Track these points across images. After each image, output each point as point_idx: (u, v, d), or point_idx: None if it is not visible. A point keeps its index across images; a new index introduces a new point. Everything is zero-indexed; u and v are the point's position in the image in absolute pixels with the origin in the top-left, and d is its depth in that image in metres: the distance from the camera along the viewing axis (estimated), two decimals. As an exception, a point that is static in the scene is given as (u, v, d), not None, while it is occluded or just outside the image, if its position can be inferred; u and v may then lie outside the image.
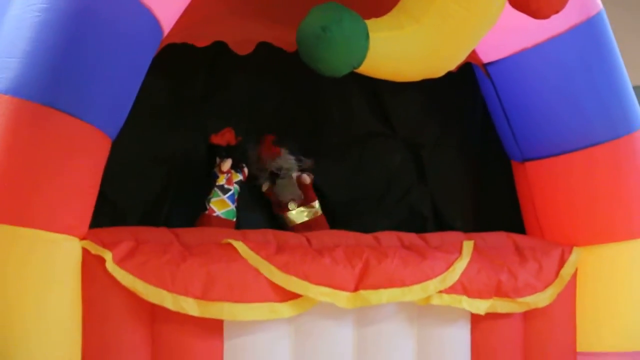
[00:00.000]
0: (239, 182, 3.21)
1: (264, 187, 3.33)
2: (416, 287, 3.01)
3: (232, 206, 3.08)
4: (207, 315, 2.63)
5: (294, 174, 3.31)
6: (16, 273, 2.43)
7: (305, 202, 3.33)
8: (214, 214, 3.05)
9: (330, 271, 2.86)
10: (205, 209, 3.03)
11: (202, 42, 2.98)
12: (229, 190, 3.09)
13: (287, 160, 3.27)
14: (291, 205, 3.33)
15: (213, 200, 3.05)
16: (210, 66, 3.33)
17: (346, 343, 3.04)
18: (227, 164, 3.08)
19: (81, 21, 2.54)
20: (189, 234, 2.83)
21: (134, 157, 3.11)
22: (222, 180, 3.08)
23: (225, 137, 3.16)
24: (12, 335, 2.46)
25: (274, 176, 3.30)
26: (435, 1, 2.75)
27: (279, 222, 3.36)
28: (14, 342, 2.47)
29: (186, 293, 2.63)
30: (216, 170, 3.11)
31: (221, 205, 3.08)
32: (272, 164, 3.29)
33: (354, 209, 3.58)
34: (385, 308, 3.07)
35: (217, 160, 3.11)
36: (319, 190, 3.43)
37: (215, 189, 3.07)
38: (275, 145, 3.33)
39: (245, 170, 3.24)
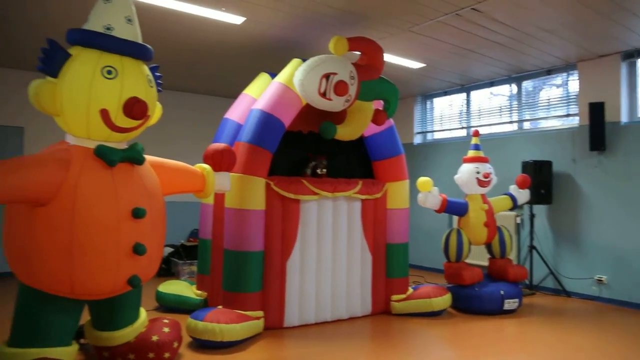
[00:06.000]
0: (313, 167, 4.33)
1: (314, 164, 4.34)
2: (348, 192, 4.32)
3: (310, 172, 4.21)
4: (297, 198, 3.99)
5: (324, 163, 4.38)
6: (250, 189, 3.79)
7: (322, 169, 4.39)
8: (307, 174, 4.28)
9: (326, 187, 4.22)
10: (304, 173, 4.30)
11: (293, 129, 4.30)
12: (311, 169, 4.29)
13: (323, 160, 4.42)
14: (319, 170, 4.36)
15: (307, 170, 4.31)
16: (298, 137, 4.46)
17: (329, 207, 4.30)
18: (312, 162, 4.32)
19: (265, 122, 3.87)
20: (291, 179, 4.06)
21: (279, 159, 4.26)
22: (309, 164, 4.36)
23: (309, 154, 4.35)
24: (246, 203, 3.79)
25: (320, 163, 4.38)
26: (356, 121, 4.08)
27: (315, 175, 4.37)
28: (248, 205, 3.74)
29: (289, 192, 4.00)
30: (310, 163, 4.35)
31: (310, 173, 4.23)
32: (321, 161, 4.41)
33: (334, 173, 4.56)
34: (340, 198, 4.35)
35: (310, 160, 4.39)
36: (327, 168, 4.44)
37: (308, 168, 4.36)
38: (322, 157, 4.43)
39: (312, 164, 4.32)
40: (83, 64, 2.47)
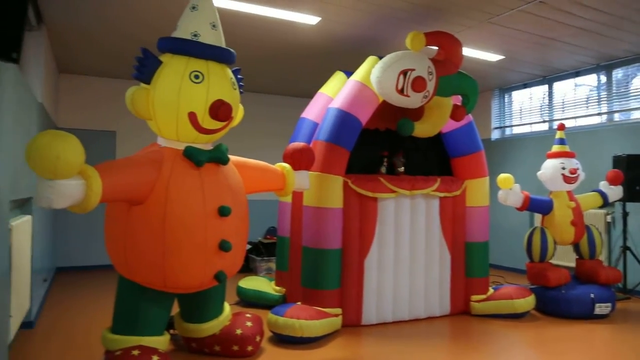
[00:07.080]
0: (388, 164, 4.25)
1: (393, 160, 4.27)
2: (426, 190, 4.20)
3: (385, 170, 4.15)
4: (374, 196, 3.94)
5: (402, 160, 4.29)
6: (328, 188, 3.77)
7: (401, 167, 4.30)
8: (382, 172, 4.18)
9: (404, 185, 4.14)
10: (378, 170, 4.21)
11: (370, 127, 4.24)
12: (385, 166, 4.23)
13: (401, 157, 4.32)
14: (399, 168, 4.28)
15: (381, 168, 4.24)
16: (375, 134, 4.37)
17: (407, 205, 4.23)
18: (385, 160, 4.21)
19: (343, 121, 3.83)
20: (368, 177, 4.02)
21: (356, 157, 4.20)
22: (384, 163, 4.25)
23: (383, 153, 4.27)
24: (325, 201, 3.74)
25: (398, 160, 4.29)
26: (434, 117, 4.02)
27: (394, 172, 4.29)
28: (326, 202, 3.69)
29: (367, 190, 3.93)
30: (384, 160, 4.23)
31: (384, 170, 4.17)
32: (399, 158, 4.30)
33: (411, 171, 4.45)
34: (418, 196, 4.28)
35: (384, 158, 4.27)
36: (405, 165, 4.35)
37: (383, 165, 4.25)
38: (399, 153, 4.33)
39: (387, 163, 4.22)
40: (173, 70, 2.58)
